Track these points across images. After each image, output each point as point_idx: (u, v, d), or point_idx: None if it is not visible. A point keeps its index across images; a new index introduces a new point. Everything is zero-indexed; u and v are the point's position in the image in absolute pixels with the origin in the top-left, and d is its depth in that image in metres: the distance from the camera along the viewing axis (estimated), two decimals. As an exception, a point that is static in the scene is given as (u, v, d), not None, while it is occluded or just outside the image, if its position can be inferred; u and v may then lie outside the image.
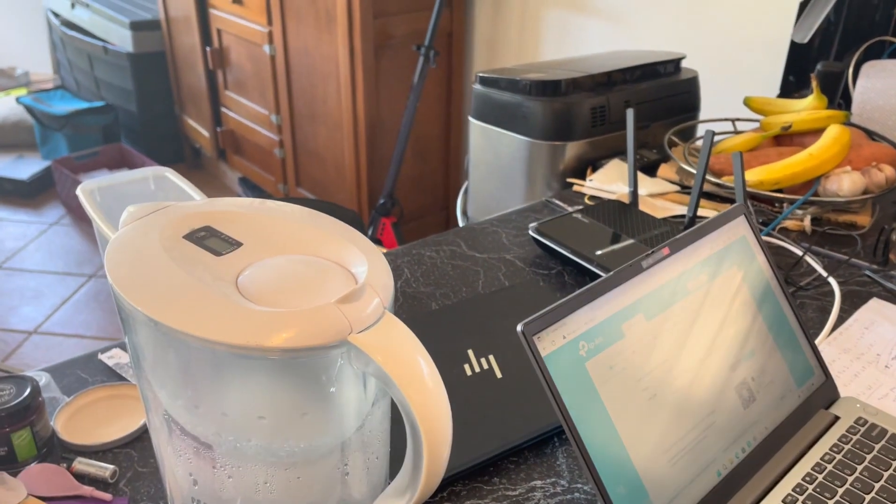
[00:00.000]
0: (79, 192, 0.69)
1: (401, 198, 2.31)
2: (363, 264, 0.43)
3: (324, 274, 0.43)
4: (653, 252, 0.59)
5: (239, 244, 0.45)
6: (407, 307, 0.82)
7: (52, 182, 3.06)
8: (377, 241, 2.24)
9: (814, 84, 1.13)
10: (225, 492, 0.43)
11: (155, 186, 0.75)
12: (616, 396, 0.54)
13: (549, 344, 0.52)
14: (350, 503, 0.46)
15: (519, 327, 0.51)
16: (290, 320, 0.38)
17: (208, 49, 2.82)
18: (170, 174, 0.74)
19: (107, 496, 0.57)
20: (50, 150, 3.25)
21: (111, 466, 0.59)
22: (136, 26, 3.05)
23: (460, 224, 1.40)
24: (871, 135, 1.14)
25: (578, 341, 0.54)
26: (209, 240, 0.45)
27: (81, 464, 0.59)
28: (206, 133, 3.11)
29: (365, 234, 1.33)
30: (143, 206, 0.48)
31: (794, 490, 0.58)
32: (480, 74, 1.20)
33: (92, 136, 3.19)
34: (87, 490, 0.58)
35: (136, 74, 3.13)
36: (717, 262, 0.64)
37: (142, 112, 3.21)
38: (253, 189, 2.94)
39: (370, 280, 0.42)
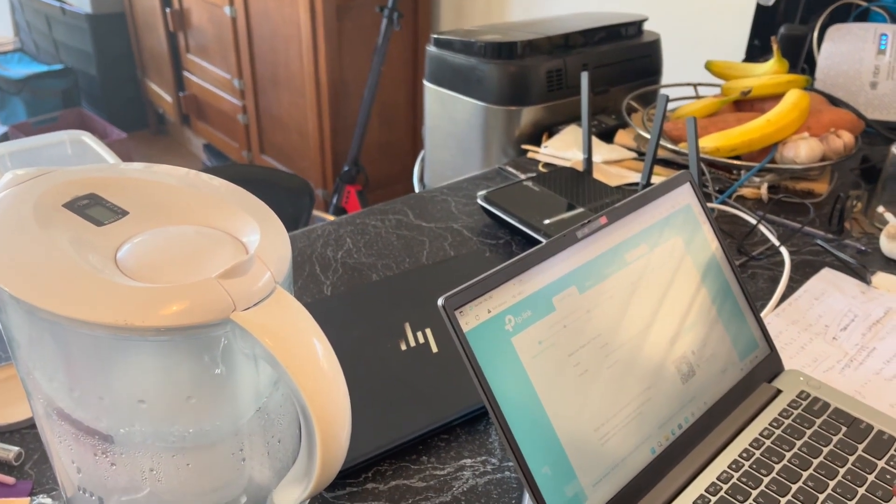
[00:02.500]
0: (-14, 157, 0.65)
1: (366, 165, 2.27)
2: (256, 234, 0.40)
3: (212, 245, 0.39)
4: (589, 221, 0.56)
5: (124, 213, 0.41)
6: (346, 279, 0.79)
7: (9, 148, 2.97)
8: (342, 210, 2.20)
9: (774, 47, 1.10)
10: (110, 480, 0.40)
11: (72, 151, 0.70)
12: (544, 373, 0.52)
13: (473, 318, 0.50)
14: (252, 489, 0.43)
15: (440, 301, 0.48)
16: (164, 296, 0.35)
17: (168, 10, 2.73)
18: (87, 138, 0.70)
19: (10, 480, 0.54)
20: (8, 115, 3.14)
21: (16, 448, 0.56)
22: (94, -14, 2.94)
23: (416, 192, 1.37)
24: (833, 100, 1.11)
25: (505, 315, 0.51)
26: (92, 208, 0.41)
27: (-16, 446, 0.56)
28: (168, 98, 3.03)
29: (313, 204, 1.29)
30: (26, 171, 0.44)
31: (729, 467, 0.56)
32: (435, 36, 1.16)
33: (51, 100, 3.09)
34: (-10, 473, 0.54)
35: (95, 36, 3.03)
36: (659, 231, 0.61)
37: (102, 76, 3.12)
38: (217, 156, 2.87)
39: (261, 251, 0.38)
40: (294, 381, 0.36)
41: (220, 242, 0.40)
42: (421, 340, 0.67)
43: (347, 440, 0.39)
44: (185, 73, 2.88)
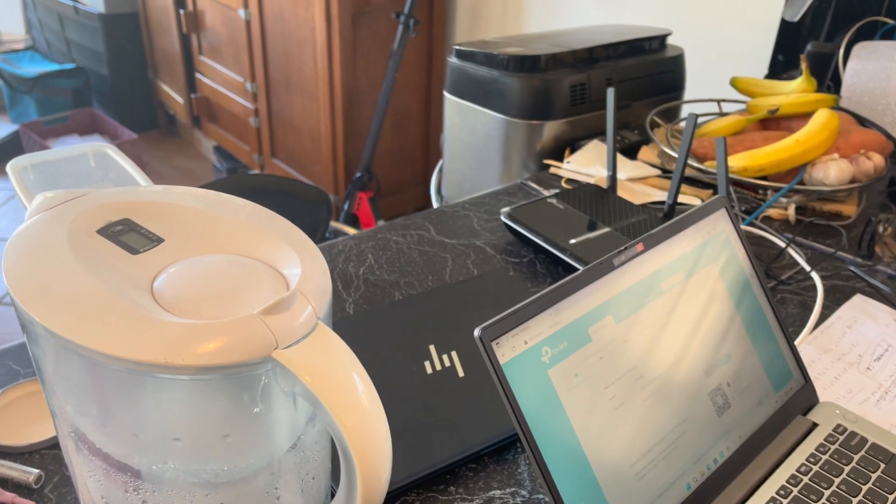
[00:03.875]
0: (8, 168, 0.64)
1: (378, 172, 2.26)
2: (296, 266, 0.38)
3: (251, 277, 0.38)
4: (625, 248, 0.55)
5: (160, 240, 0.40)
6: (369, 296, 0.78)
7: (20, 146, 2.97)
8: (353, 217, 2.19)
9: (803, 65, 1.08)
10: (140, 517, 0.39)
11: (95, 164, 0.69)
12: (580, 405, 0.50)
13: (510, 350, 0.48)
14: (284, 526, 0.42)
15: (476, 332, 0.47)
16: (205, 334, 0.34)
17: (182, 12, 2.72)
18: (111, 151, 0.69)
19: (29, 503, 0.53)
20: (19, 114, 3.14)
21: (36, 471, 0.54)
22: (108, -14, 2.94)
23: (434, 203, 1.35)
24: (861, 120, 1.10)
25: (541, 347, 0.50)
26: (126, 235, 0.40)
27: (3, 467, 0.55)
28: (180, 99, 3.02)
29: (331, 215, 1.28)
30: (57, 194, 0.43)
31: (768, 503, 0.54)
32: (457, 47, 1.14)
33: (62, 99, 3.09)
34: (9, 497, 0.53)
35: (107, 36, 3.03)
36: (695, 258, 0.60)
37: (114, 76, 3.11)
38: (228, 158, 2.86)
39: (303, 285, 0.37)
40: (336, 422, 0.34)
41: (260, 274, 0.38)
42: (447, 364, 0.66)
43: (388, 479, 0.37)
44: (198, 75, 2.88)
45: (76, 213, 0.41)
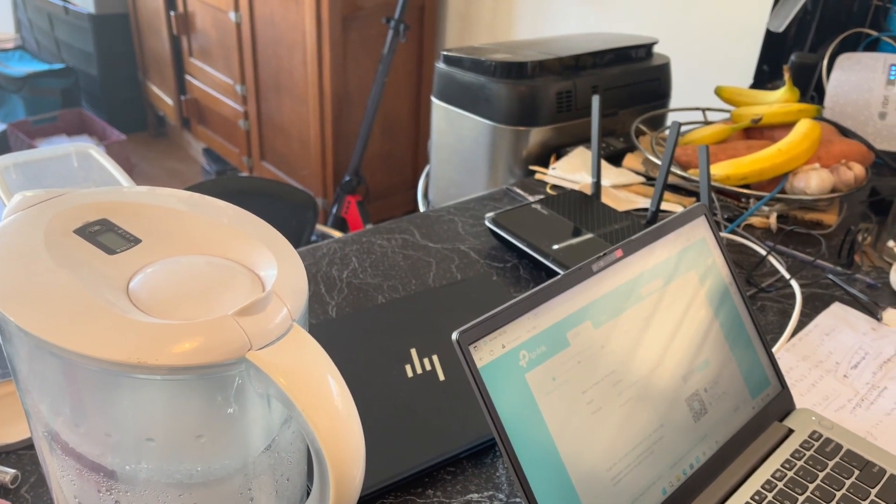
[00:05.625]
0: (-11, 168, 0.64)
1: (367, 176, 2.26)
2: (273, 267, 0.39)
3: (227, 279, 0.38)
4: (605, 254, 0.56)
5: (137, 241, 0.40)
6: (352, 299, 0.78)
7: (7, 146, 2.95)
8: (342, 220, 2.19)
9: (786, 76, 1.09)
10: (113, 517, 0.39)
11: (78, 164, 0.69)
12: (557, 410, 0.50)
13: (487, 354, 0.48)
14: (258, 528, 0.42)
15: (454, 335, 0.47)
16: (179, 334, 0.34)
17: (172, 14, 2.72)
18: (94, 152, 0.69)
19: (5, 504, 0.53)
20: (7, 113, 3.12)
21: (12, 471, 0.54)
22: (98, -14, 2.93)
23: (421, 208, 1.36)
24: (843, 131, 1.11)
25: (519, 351, 0.50)
26: (104, 235, 0.40)
27: (-21, 467, 0.55)
28: (169, 101, 3.01)
29: (317, 218, 1.28)
30: (35, 193, 0.43)
31: (742, 510, 0.55)
32: (444, 53, 1.15)
33: (51, 99, 3.07)
34: (-16, 497, 0.53)
35: (97, 37, 3.02)
36: (674, 265, 0.60)
37: (103, 76, 3.10)
38: (217, 161, 2.86)
39: (279, 287, 0.37)
40: (308, 423, 0.34)
41: (236, 275, 0.38)
42: (428, 367, 0.66)
43: (361, 481, 0.37)
44: (187, 77, 2.87)
45: (53, 213, 0.41)
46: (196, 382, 0.35)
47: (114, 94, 3.18)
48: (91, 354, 0.33)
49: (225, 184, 1.19)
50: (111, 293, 0.36)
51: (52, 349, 0.34)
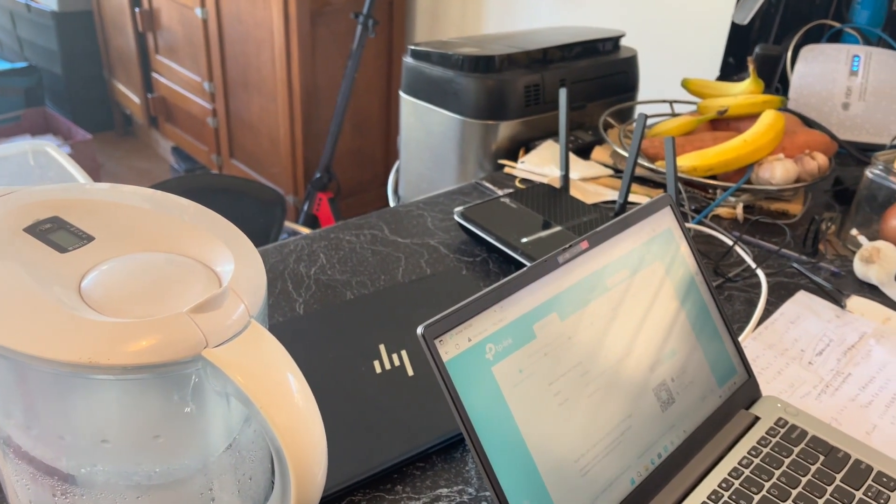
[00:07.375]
0: (-59, 167, 0.62)
1: (338, 172, 2.24)
2: (229, 263, 0.38)
3: (183, 276, 0.37)
4: (570, 246, 0.55)
5: (90, 238, 0.39)
6: (320, 296, 0.77)
7: (-31, 147, 2.88)
8: (313, 217, 2.17)
9: (751, 67, 1.10)
10: (69, 522, 0.38)
11: (34, 163, 0.67)
12: (525, 402, 0.50)
13: (453, 347, 0.48)
14: (221, 528, 0.41)
15: (419, 330, 0.47)
16: (131, 332, 0.33)
17: (137, 10, 2.68)
18: (51, 150, 0.67)
19: (-39, 512, 0.51)
20: (-32, 113, 3.05)
21: (-31, 478, 0.53)
22: (61, -17, 2.88)
23: (391, 203, 1.35)
24: (807, 121, 1.12)
25: (485, 344, 0.50)
26: (55, 233, 0.39)
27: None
28: (136, 99, 2.97)
29: (285, 216, 1.27)
30: (-15, 191, 0.42)
31: (709, 497, 0.55)
32: (412, 47, 1.14)
33: (14, 99, 3.01)
34: (-60, 505, 0.51)
35: (61, 34, 2.96)
36: (640, 256, 0.60)
37: (68, 75, 3.05)
38: (185, 159, 2.82)
39: (235, 283, 0.36)
40: (267, 422, 0.34)
41: (192, 272, 0.38)
42: (396, 363, 0.66)
43: (323, 480, 0.37)
44: (154, 75, 2.83)
45: (2, 211, 0.40)
46: (151, 382, 0.34)
47: (79, 92, 3.12)
48: (41, 355, 0.32)
49: (191, 182, 1.17)
50: (62, 292, 0.35)
51: (1, 351, 0.33)
